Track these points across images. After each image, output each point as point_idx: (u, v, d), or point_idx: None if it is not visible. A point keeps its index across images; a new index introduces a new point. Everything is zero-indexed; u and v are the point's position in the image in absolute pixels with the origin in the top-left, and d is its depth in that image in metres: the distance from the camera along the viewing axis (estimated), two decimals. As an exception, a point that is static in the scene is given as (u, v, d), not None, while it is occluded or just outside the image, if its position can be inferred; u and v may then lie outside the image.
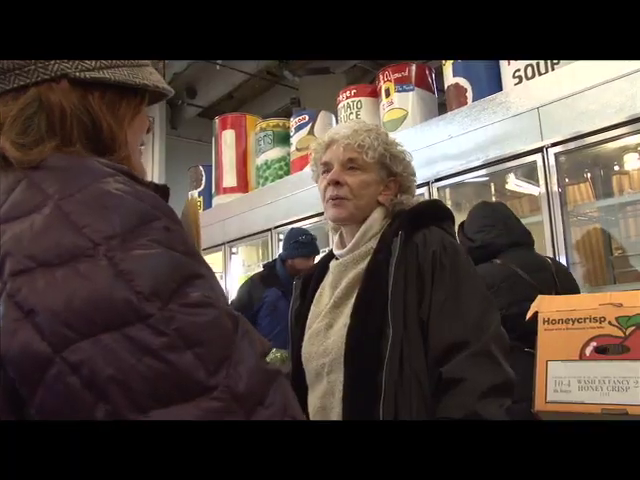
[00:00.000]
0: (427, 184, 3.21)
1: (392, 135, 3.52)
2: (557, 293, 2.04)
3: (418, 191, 3.15)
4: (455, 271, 1.26)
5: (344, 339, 1.27)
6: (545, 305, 1.61)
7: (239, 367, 0.52)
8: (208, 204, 5.42)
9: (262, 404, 0.52)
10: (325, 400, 1.28)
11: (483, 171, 3.00)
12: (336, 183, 1.38)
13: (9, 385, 0.50)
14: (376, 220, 1.40)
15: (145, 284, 0.50)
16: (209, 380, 0.50)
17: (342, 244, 1.46)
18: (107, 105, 0.70)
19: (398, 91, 3.59)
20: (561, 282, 2.11)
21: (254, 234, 4.71)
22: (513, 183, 3.30)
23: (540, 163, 2.76)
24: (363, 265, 1.35)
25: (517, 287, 2.03)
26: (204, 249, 5.21)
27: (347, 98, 3.98)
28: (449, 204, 3.21)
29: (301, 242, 3.27)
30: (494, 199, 3.48)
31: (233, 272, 4.99)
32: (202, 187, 5.54)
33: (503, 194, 3.45)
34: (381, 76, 3.70)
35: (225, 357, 0.52)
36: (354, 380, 1.22)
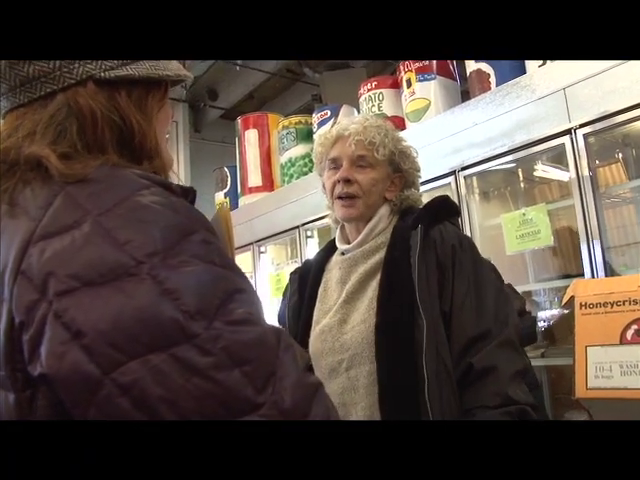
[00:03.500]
0: (453, 173, 3.16)
1: (415, 126, 3.49)
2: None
3: (445, 180, 3.20)
4: (473, 265, 1.30)
5: (365, 334, 1.28)
6: (581, 289, 1.58)
7: (284, 382, 0.52)
8: (235, 204, 5.44)
9: (307, 417, 0.52)
10: (345, 397, 1.29)
11: (510, 157, 2.95)
12: (346, 181, 1.38)
13: (60, 407, 0.49)
14: (383, 216, 1.43)
15: (190, 302, 0.50)
16: (257, 397, 0.50)
17: (345, 239, 1.46)
18: (135, 102, 0.71)
19: (420, 80, 3.54)
20: None
21: (281, 232, 4.72)
22: (540, 169, 3.24)
23: (569, 146, 2.70)
24: (374, 260, 1.36)
25: None
26: (235, 249, 5.26)
27: (368, 91, 3.95)
28: (477, 193, 3.18)
29: None
30: (522, 186, 3.43)
31: (262, 271, 5.01)
32: (228, 188, 5.57)
33: (531, 180, 3.39)
34: (401, 67, 3.66)
35: (271, 373, 0.52)
36: (391, 373, 1.22)
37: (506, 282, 2.21)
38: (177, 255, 0.52)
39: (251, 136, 5.15)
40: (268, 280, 4.82)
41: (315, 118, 4.45)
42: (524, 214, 2.81)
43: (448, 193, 3.20)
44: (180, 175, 7.66)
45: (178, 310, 0.49)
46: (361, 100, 4.04)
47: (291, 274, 1.65)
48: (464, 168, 3.11)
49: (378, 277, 1.33)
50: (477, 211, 3.12)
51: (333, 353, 1.33)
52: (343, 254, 1.49)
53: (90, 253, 0.51)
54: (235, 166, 5.41)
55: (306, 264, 1.62)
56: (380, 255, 1.38)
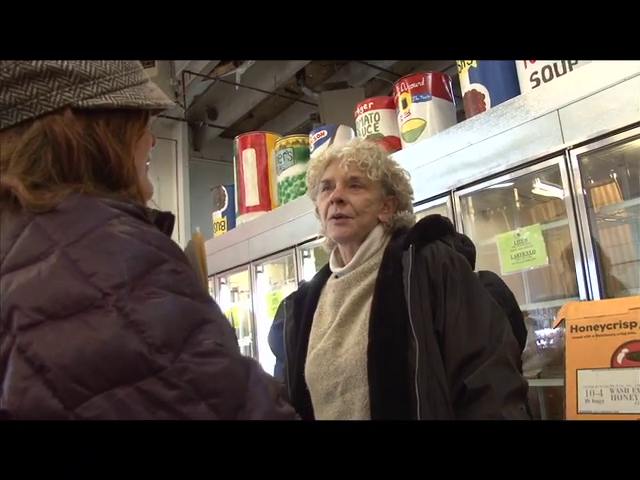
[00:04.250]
0: (449, 193, 3.17)
1: (411, 146, 3.51)
2: None
3: (440, 200, 3.21)
4: (465, 283, 1.28)
5: (359, 356, 1.27)
6: (572, 312, 1.58)
7: (253, 415, 0.51)
8: (232, 224, 5.46)
9: None
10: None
11: (505, 177, 2.95)
12: (339, 201, 1.39)
13: None
14: (377, 237, 1.42)
15: (157, 335, 0.49)
16: None
17: (339, 262, 1.46)
18: (113, 130, 0.70)
19: (415, 101, 3.57)
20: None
21: (278, 252, 4.71)
22: (537, 187, 3.25)
23: (563, 166, 2.71)
24: (367, 281, 1.36)
25: None
26: (230, 268, 5.26)
27: (365, 111, 3.97)
28: (472, 213, 3.18)
29: None
30: (518, 205, 3.43)
31: (259, 291, 5.00)
32: (225, 207, 5.59)
33: (527, 199, 3.39)
34: (397, 87, 3.70)
35: (239, 406, 0.51)
36: (383, 395, 1.22)
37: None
38: (145, 286, 0.52)
39: (249, 155, 5.18)
40: (265, 300, 4.80)
41: (312, 138, 4.48)
42: (519, 234, 2.81)
43: (444, 213, 3.19)
44: (180, 194, 7.68)
45: (144, 343, 0.48)
46: (357, 120, 4.06)
47: (286, 299, 1.64)
48: (459, 188, 3.12)
49: (371, 298, 1.33)
50: (473, 231, 3.11)
51: (328, 377, 1.32)
52: (337, 277, 1.48)
53: (55, 285, 0.50)
54: (233, 185, 5.44)
55: (301, 289, 1.62)
56: (373, 276, 1.38)
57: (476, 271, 2.33)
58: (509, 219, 3.47)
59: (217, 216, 5.71)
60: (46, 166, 0.63)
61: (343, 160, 1.42)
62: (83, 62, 0.68)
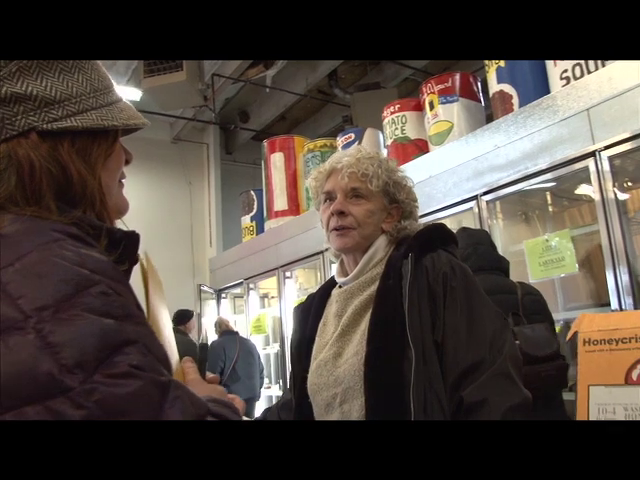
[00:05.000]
0: (475, 198, 3.14)
1: (438, 149, 3.50)
2: (516, 316, 2.11)
3: (466, 205, 3.18)
4: (466, 292, 1.27)
5: (357, 366, 1.28)
6: (585, 324, 1.55)
7: None
8: (261, 228, 5.52)
9: None
10: None
11: (533, 181, 2.90)
12: (340, 213, 1.40)
13: None
14: (380, 247, 1.42)
15: (70, 356, 0.51)
16: None
17: (344, 272, 1.47)
18: (78, 152, 0.73)
19: (442, 103, 3.55)
20: (526, 305, 2.18)
21: (306, 257, 4.75)
22: (570, 191, 3.18)
23: (593, 168, 2.64)
24: (369, 291, 1.36)
25: None
26: (259, 274, 5.32)
27: (392, 113, 3.98)
28: (500, 218, 3.14)
29: None
30: (550, 210, 3.37)
31: (288, 297, 5.04)
32: (254, 211, 5.66)
33: (559, 203, 3.32)
34: (424, 88, 3.68)
35: None
36: (378, 406, 1.22)
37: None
38: (69, 308, 0.54)
39: (277, 159, 5.24)
40: (293, 306, 4.83)
41: (339, 141, 4.50)
42: (547, 240, 2.76)
43: (470, 218, 3.24)
44: (212, 198, 7.80)
45: (56, 364, 0.50)
46: (385, 123, 4.07)
47: (294, 309, 1.66)
48: (486, 192, 3.08)
49: (371, 309, 1.35)
50: (501, 236, 3.08)
51: (328, 387, 1.33)
52: (341, 287, 1.50)
53: None
54: (262, 189, 5.50)
55: (308, 299, 1.63)
56: (375, 286, 1.38)
57: (516, 281, 2.35)
58: (541, 224, 3.41)
59: (246, 221, 5.79)
60: (8, 188, 0.66)
61: (343, 171, 1.42)
62: (49, 86, 0.71)
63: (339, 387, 1.31)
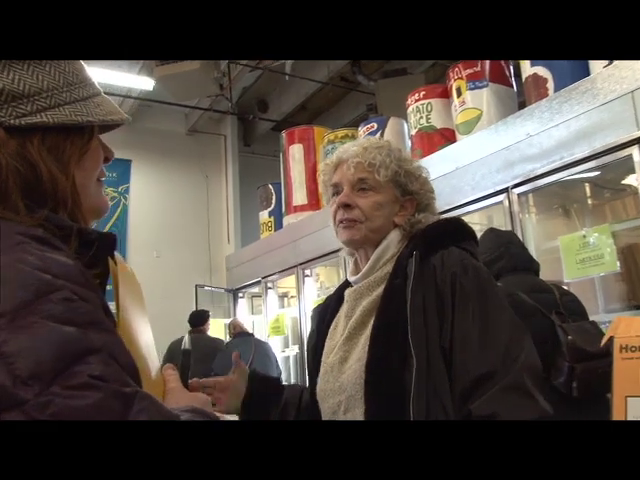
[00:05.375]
0: (506, 190, 3.06)
1: (466, 138, 3.44)
2: (560, 314, 2.07)
3: (496, 198, 3.11)
4: (478, 293, 1.22)
5: (359, 373, 1.24)
6: (622, 329, 1.46)
7: None
8: (279, 224, 5.51)
9: None
10: None
11: (570, 171, 2.81)
12: (346, 206, 1.37)
13: None
14: (392, 242, 1.39)
15: (25, 367, 0.51)
16: None
17: (357, 270, 1.45)
18: (49, 150, 0.72)
19: (470, 89, 3.47)
20: (565, 304, 2.15)
21: (327, 254, 4.71)
22: (612, 182, 3.09)
23: (638, 157, 2.55)
24: (379, 291, 1.33)
25: (517, 307, 2.07)
26: (277, 272, 5.31)
27: (416, 101, 3.91)
28: (533, 212, 3.06)
29: None
30: (590, 202, 3.28)
31: (308, 296, 5.02)
32: (272, 207, 5.65)
33: (600, 196, 3.22)
34: (451, 73, 3.61)
35: None
36: (378, 417, 1.19)
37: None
38: (27, 316, 0.53)
39: (296, 151, 5.21)
40: (313, 306, 4.82)
41: (361, 131, 4.45)
42: (584, 236, 2.66)
43: (500, 212, 3.16)
44: (229, 192, 7.83)
45: (10, 375, 0.50)
46: (409, 111, 4.01)
47: (313, 311, 1.64)
48: (518, 184, 3.00)
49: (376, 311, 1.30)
50: (534, 232, 3.00)
51: (333, 394, 1.30)
52: (353, 286, 1.48)
53: None
54: (280, 183, 5.48)
55: (327, 300, 1.61)
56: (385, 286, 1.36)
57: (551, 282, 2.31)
58: (579, 218, 3.32)
59: (264, 216, 5.79)
60: None
61: (349, 162, 1.40)
62: (17, 79, 0.70)
63: (343, 394, 1.28)
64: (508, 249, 2.25)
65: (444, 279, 1.23)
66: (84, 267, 0.64)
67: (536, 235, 3.03)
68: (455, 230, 1.37)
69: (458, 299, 1.21)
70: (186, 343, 4.73)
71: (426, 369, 1.17)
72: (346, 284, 1.52)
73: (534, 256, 2.85)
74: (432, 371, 1.17)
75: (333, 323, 1.45)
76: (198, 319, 5.30)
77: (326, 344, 1.42)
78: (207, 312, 5.48)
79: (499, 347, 1.17)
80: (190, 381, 1.25)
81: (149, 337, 0.81)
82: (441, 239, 1.31)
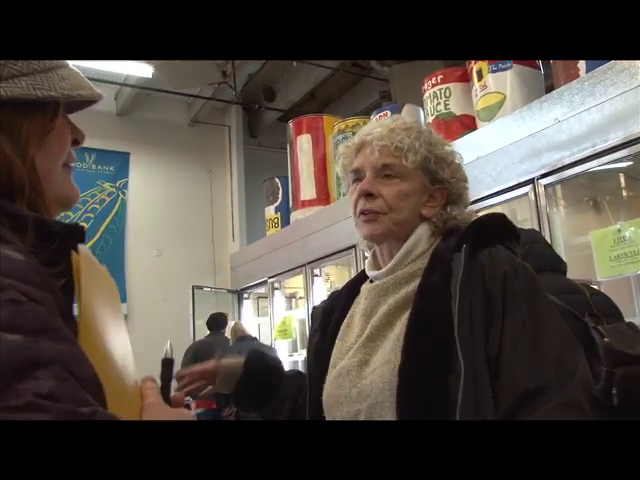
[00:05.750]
0: (532, 181, 2.98)
1: (487, 125, 3.34)
2: (594, 316, 2.00)
3: (521, 190, 3.03)
4: (531, 298, 1.16)
5: (388, 378, 1.17)
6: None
7: None
8: (286, 221, 5.46)
9: None
10: None
11: (603, 160, 2.71)
12: (368, 195, 1.30)
13: None
14: (422, 237, 1.33)
15: None
16: None
17: (376, 265, 1.37)
18: (3, 128, 0.67)
19: (492, 71, 3.38)
20: (598, 305, 2.08)
21: (338, 252, 4.64)
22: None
23: (679, 144, 2.44)
24: (408, 289, 1.26)
25: None
26: (284, 272, 5.25)
27: (433, 86, 3.83)
28: (561, 205, 2.98)
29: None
30: (624, 194, 3.16)
31: (317, 297, 4.94)
32: (279, 201, 5.60)
33: (635, 187, 3.10)
34: (471, 55, 3.50)
35: None
36: None
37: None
38: None
39: (304, 142, 5.13)
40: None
41: (374, 120, 4.34)
42: (619, 230, 2.55)
43: (525, 206, 3.07)
44: (233, 186, 7.78)
45: None
46: (425, 97, 3.93)
47: (313, 309, 1.58)
48: (545, 175, 2.91)
49: (410, 309, 1.23)
50: (562, 227, 2.91)
51: (349, 402, 1.23)
52: (372, 282, 1.40)
53: None
54: (287, 176, 5.42)
55: (332, 297, 1.54)
56: (416, 284, 1.26)
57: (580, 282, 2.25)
58: (613, 211, 3.20)
59: (270, 212, 5.74)
60: None
61: (373, 144, 1.32)
62: None
63: (364, 402, 1.20)
64: (532, 248, 2.19)
65: (494, 279, 1.17)
66: (42, 264, 0.60)
67: (565, 230, 2.95)
68: (502, 227, 1.31)
69: (509, 302, 1.15)
70: (168, 351, 4.65)
71: (473, 378, 1.10)
72: (359, 280, 1.46)
73: (562, 253, 2.78)
74: (477, 382, 1.10)
75: (344, 322, 1.38)
76: (216, 322, 5.22)
77: (336, 345, 1.35)
78: (225, 315, 5.43)
79: (552, 359, 1.11)
80: (172, 395, 1.19)
81: (124, 345, 0.75)
82: (489, 235, 1.25)
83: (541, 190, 2.93)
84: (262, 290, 5.97)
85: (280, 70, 7.36)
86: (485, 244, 1.22)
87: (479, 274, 1.18)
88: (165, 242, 7.11)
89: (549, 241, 2.81)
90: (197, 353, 4.88)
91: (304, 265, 4.97)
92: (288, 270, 5.27)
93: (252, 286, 6.06)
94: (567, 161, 2.82)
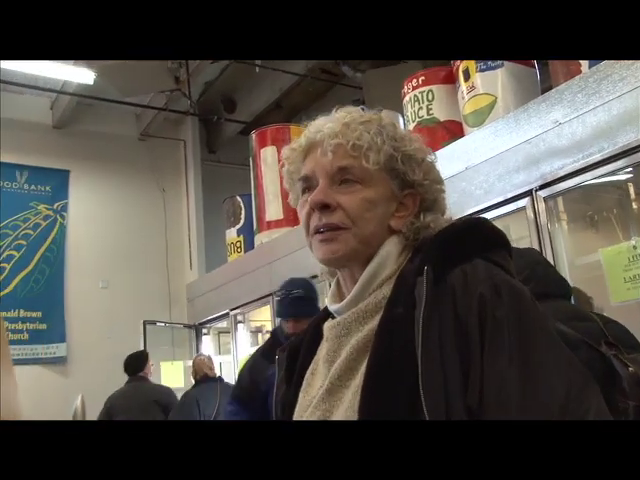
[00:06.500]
0: (529, 193, 2.94)
1: (477, 132, 3.28)
2: (612, 345, 1.94)
3: (518, 203, 2.97)
4: (518, 326, 1.05)
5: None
6: None
7: None
8: (250, 244, 5.41)
9: None
10: None
11: (610, 167, 2.66)
12: (324, 207, 1.18)
13: None
14: (389, 256, 1.22)
15: None
16: None
17: (341, 295, 1.28)
18: None
19: (481, 70, 3.38)
20: (612, 333, 2.02)
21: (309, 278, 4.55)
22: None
23: (698, 147, 2.38)
24: (372, 324, 1.16)
25: None
26: (248, 302, 5.13)
27: (414, 89, 3.80)
28: (564, 220, 2.93)
29: (291, 298, 3.19)
30: (635, 207, 3.13)
31: (286, 331, 4.85)
32: (241, 223, 5.56)
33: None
34: (456, 53, 3.48)
35: None
36: None
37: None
38: None
39: (269, 155, 5.08)
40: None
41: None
42: (635, 247, 2.49)
43: (522, 222, 3.01)
44: (190, 208, 7.69)
45: None
46: (405, 102, 3.90)
47: (278, 352, 1.46)
48: (544, 186, 2.88)
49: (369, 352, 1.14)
50: (565, 245, 2.85)
51: None
52: (335, 318, 1.28)
53: None
54: (250, 194, 5.36)
55: (296, 339, 1.43)
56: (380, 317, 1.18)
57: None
58: (622, 227, 3.16)
59: (231, 235, 5.69)
60: None
61: (325, 144, 1.19)
62: None
63: None
64: (534, 271, 2.12)
65: (468, 306, 1.06)
66: None
67: (568, 249, 2.89)
68: (480, 235, 1.18)
69: (489, 335, 1.04)
70: (78, 410, 4.40)
71: None
72: (325, 315, 1.34)
73: (567, 276, 2.73)
74: None
75: (309, 369, 1.29)
76: (134, 364, 4.91)
77: (299, 399, 1.28)
78: (144, 352, 5.21)
79: (552, 403, 1.01)
80: None
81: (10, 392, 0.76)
82: (461, 249, 1.13)
83: (540, 203, 2.90)
84: (224, 324, 5.90)
85: (241, 77, 7.30)
86: (457, 260, 1.12)
87: (450, 301, 1.08)
88: (112, 272, 6.96)
89: (551, 261, 2.76)
90: (111, 408, 4.65)
91: (271, 295, 4.84)
92: (253, 300, 5.21)
93: (212, 319, 5.99)
94: (569, 169, 2.78)
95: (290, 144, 1.31)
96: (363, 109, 1.28)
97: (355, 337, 1.17)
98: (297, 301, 3.23)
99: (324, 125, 1.22)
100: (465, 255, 1.12)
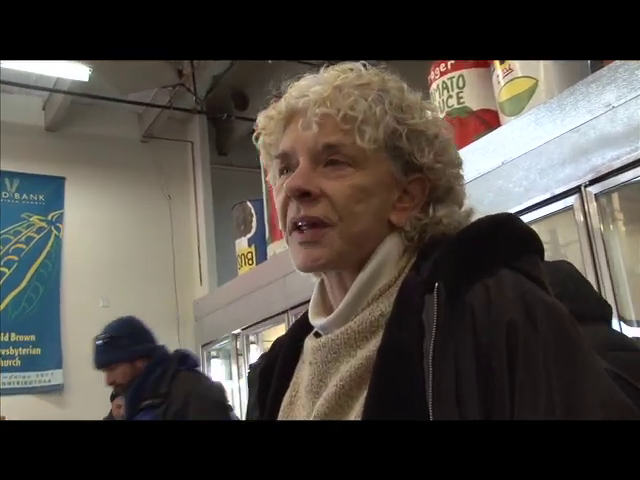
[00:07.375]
0: (578, 190, 2.87)
1: (514, 121, 3.26)
2: None
3: (564, 202, 2.93)
4: (559, 359, 0.95)
5: None
6: None
7: None
8: (262, 255, 5.41)
9: None
10: None
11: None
12: (303, 195, 1.07)
13: None
14: (388, 258, 1.12)
15: None
16: None
17: (325, 306, 1.18)
18: None
19: (519, 50, 3.27)
20: None
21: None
22: None
23: None
24: (367, 350, 1.08)
25: None
26: (261, 321, 5.07)
27: (441, 75, 3.75)
28: (620, 220, 2.86)
29: (96, 346, 3.33)
30: None
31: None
32: (253, 232, 5.55)
33: None
34: (490, 32, 3.42)
35: None
36: None
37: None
38: None
39: (281, 156, 5.08)
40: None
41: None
42: None
43: (570, 223, 2.96)
44: (199, 216, 7.73)
45: None
46: (431, 90, 3.86)
47: (250, 370, 1.52)
48: (595, 180, 2.79)
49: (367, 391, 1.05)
50: (622, 251, 2.76)
51: None
52: (319, 335, 1.19)
53: None
54: (262, 200, 5.39)
55: (272, 352, 1.36)
56: (378, 341, 1.07)
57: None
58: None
59: (242, 245, 5.69)
60: None
61: (309, 113, 1.09)
62: None
63: None
64: (566, 288, 1.99)
65: (493, 334, 0.96)
66: None
67: (626, 255, 2.80)
68: (506, 237, 1.07)
69: (522, 371, 0.94)
70: None
71: None
72: (304, 328, 1.26)
73: (625, 286, 2.68)
74: None
75: (286, 398, 1.22)
76: None
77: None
78: None
79: None
80: None
81: None
82: (483, 257, 1.02)
83: (591, 202, 2.82)
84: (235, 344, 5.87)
85: (252, 70, 7.26)
86: (476, 273, 1.01)
87: (467, 327, 0.98)
88: (113, 289, 6.97)
89: (605, 270, 2.70)
90: None
91: (286, 311, 4.91)
92: (266, 319, 5.22)
93: (220, 340, 6.03)
94: (625, 160, 2.69)
95: (267, 110, 1.21)
96: (365, 65, 1.17)
97: (346, 365, 1.08)
98: (101, 348, 3.33)
99: (310, 88, 1.11)
100: (488, 265, 1.01)
